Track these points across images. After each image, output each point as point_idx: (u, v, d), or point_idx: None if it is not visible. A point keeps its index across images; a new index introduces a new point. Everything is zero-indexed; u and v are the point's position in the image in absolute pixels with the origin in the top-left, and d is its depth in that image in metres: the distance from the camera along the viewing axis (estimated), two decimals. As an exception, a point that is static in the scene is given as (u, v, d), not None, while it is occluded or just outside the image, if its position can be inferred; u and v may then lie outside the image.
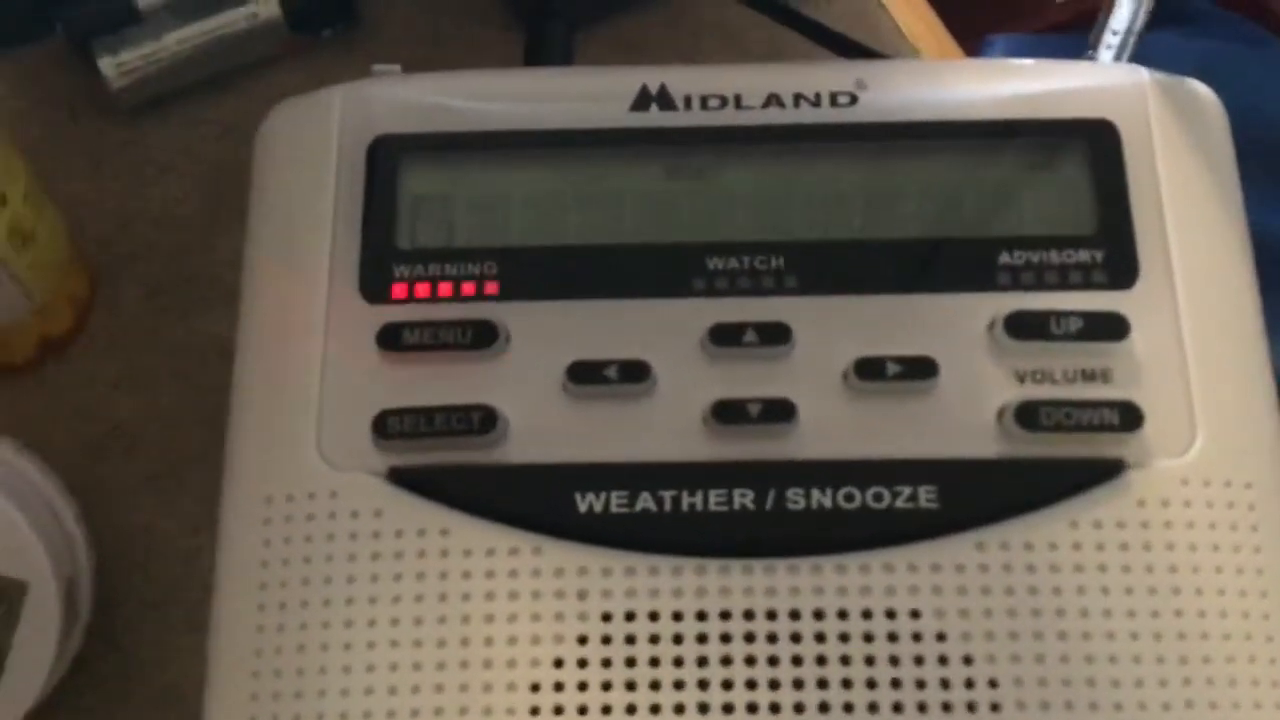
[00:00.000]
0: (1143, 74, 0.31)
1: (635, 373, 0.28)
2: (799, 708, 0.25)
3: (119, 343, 0.37)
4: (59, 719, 0.32)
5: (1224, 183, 0.30)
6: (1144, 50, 0.35)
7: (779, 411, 0.27)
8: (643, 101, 0.30)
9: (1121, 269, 0.29)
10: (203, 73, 0.40)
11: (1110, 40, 0.32)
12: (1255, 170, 0.31)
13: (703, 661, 0.26)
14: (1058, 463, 0.27)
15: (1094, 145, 0.30)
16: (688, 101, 0.30)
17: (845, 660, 0.26)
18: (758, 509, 0.27)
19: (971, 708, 0.25)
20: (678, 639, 0.26)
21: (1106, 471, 0.27)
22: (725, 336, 0.28)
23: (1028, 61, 0.31)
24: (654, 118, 0.30)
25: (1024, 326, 0.28)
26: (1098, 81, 0.31)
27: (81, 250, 0.37)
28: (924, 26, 0.49)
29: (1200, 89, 0.31)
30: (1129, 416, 0.27)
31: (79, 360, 0.37)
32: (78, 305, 0.37)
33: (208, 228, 0.38)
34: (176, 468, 0.35)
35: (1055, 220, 0.29)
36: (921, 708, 0.25)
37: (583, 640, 0.26)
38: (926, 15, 0.50)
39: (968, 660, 0.26)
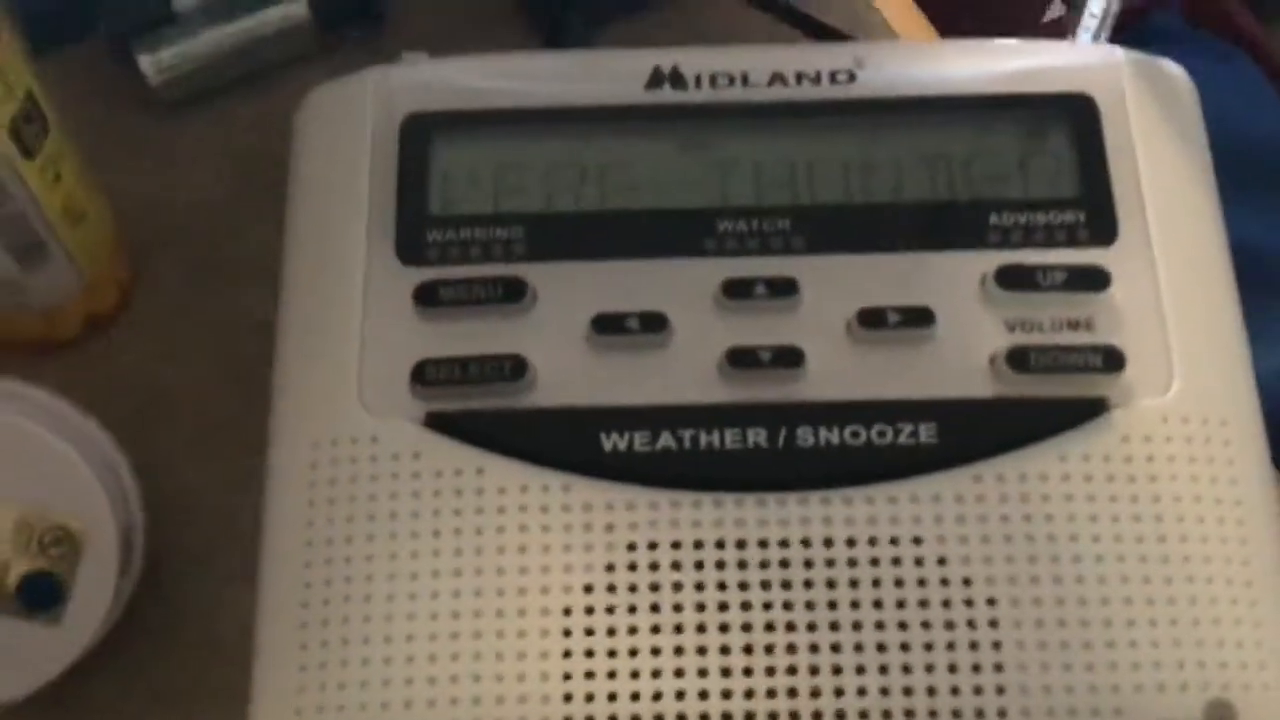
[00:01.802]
0: (1118, 53, 0.33)
1: (654, 323, 0.30)
2: (811, 626, 0.27)
3: (159, 320, 0.39)
4: (111, 666, 0.34)
5: (1194, 150, 0.32)
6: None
7: (788, 357, 0.29)
8: (656, 80, 0.32)
9: (1102, 227, 0.31)
10: (236, 70, 0.42)
11: (1089, 23, 0.34)
12: (1227, 182, 0.33)
13: (721, 586, 0.27)
14: (1047, 402, 0.29)
15: (1074, 117, 0.32)
16: (698, 80, 0.32)
17: (853, 584, 0.27)
18: (770, 446, 0.29)
19: (971, 624, 0.27)
20: (698, 566, 0.28)
21: (1092, 410, 0.29)
22: (737, 290, 0.30)
23: (1012, 42, 0.33)
24: (667, 95, 0.32)
25: (1013, 279, 0.30)
26: (1077, 60, 0.33)
27: (123, 234, 0.39)
28: (919, 32, 0.51)
29: (1171, 67, 0.33)
30: (1111, 359, 0.29)
31: (122, 336, 0.38)
32: (121, 285, 0.39)
33: (239, 215, 0.40)
34: (215, 433, 0.37)
35: (1040, 185, 0.31)
36: (925, 625, 0.27)
37: (610, 568, 0.28)
38: (920, 22, 0.52)
39: (967, 582, 0.27)
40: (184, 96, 0.42)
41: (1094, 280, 0.30)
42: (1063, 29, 0.37)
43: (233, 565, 0.33)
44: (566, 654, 0.27)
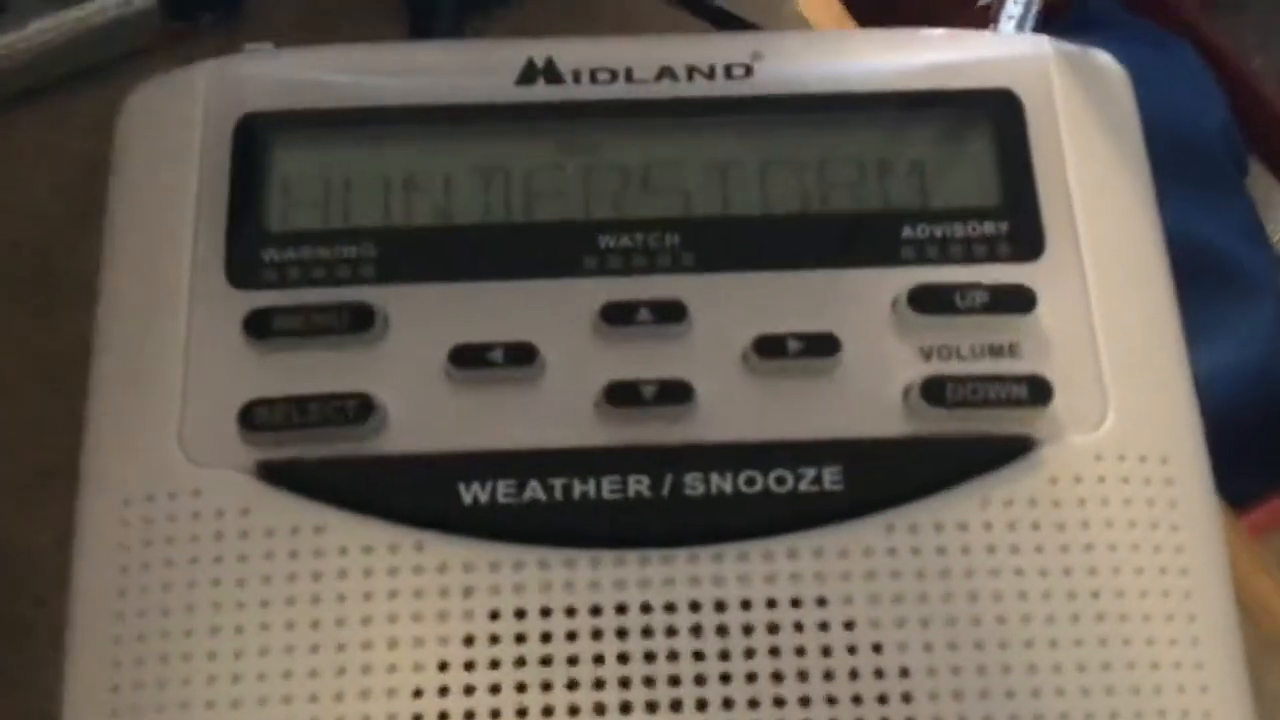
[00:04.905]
0: (1045, 44, 0.30)
1: (521, 355, 0.26)
2: (701, 704, 0.24)
3: (-22, 347, 0.35)
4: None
5: (1130, 153, 0.29)
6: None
7: (675, 393, 0.26)
8: (529, 75, 0.29)
9: (1027, 241, 0.28)
10: (72, 64, 0.38)
11: (1012, 10, 0.31)
12: (1168, 174, 0.30)
13: (599, 659, 0.24)
14: (966, 440, 0.26)
15: (996, 116, 0.29)
16: (576, 75, 0.29)
17: (749, 654, 0.24)
18: (654, 496, 0.25)
19: (883, 699, 0.24)
20: (571, 636, 0.24)
21: (1017, 448, 0.26)
22: (618, 315, 0.27)
23: (927, 31, 0.30)
24: (541, 92, 0.29)
25: (929, 301, 0.27)
26: (999, 51, 0.30)
27: (-61, 250, 0.35)
28: (833, 22, 0.48)
29: (1104, 59, 0.30)
30: (1038, 391, 0.26)
31: (-67, 366, 0.34)
32: (-68, 307, 0.35)
33: (75, 226, 0.36)
34: (42, 478, 0.33)
35: (958, 192, 0.28)
36: (830, 700, 0.24)
37: (469, 641, 0.24)
38: (837, 12, 0.49)
39: (877, 649, 0.24)
40: (13, 94, 0.38)
41: (1018, 301, 0.27)
42: (993, 16, 0.34)
43: (61, 627, 0.29)
44: (417, 744, 0.23)
